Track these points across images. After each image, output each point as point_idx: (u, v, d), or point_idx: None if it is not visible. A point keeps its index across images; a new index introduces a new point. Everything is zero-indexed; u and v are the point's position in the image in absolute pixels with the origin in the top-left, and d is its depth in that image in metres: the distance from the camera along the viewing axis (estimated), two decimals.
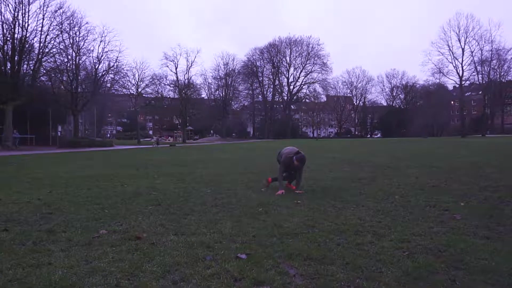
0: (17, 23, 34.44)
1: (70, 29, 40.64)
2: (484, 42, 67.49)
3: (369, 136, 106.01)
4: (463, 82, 69.32)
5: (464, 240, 4.35)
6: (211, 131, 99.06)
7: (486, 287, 3.10)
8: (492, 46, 67.93)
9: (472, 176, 10.23)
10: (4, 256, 3.87)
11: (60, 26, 38.46)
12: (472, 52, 67.68)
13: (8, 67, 35.44)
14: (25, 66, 37.26)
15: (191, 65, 76.96)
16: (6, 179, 10.75)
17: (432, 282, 3.21)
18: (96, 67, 46.28)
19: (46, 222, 5.37)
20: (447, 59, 68.56)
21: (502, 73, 74.14)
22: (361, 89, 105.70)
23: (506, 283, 3.19)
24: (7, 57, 34.99)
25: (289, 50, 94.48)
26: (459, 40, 67.40)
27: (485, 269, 3.45)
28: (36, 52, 36.92)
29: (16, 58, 35.10)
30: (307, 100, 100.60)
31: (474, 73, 70.05)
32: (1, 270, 3.49)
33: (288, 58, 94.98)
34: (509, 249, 4.03)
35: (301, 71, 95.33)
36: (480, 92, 77.38)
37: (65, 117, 46.02)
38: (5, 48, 34.67)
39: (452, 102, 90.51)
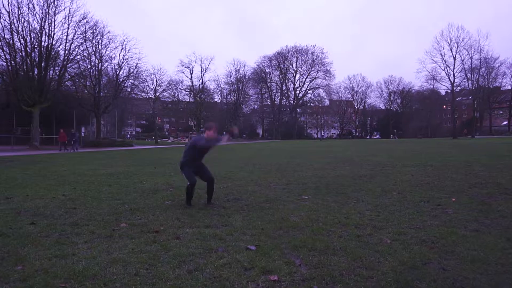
0: (43, 32, 34.44)
1: (93, 38, 40.92)
2: (474, 51, 67.62)
3: (368, 137, 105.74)
4: (454, 88, 69.18)
5: (455, 233, 4.34)
6: (223, 132, 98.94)
7: (475, 276, 3.10)
8: (481, 55, 68.11)
9: (463, 174, 10.17)
10: (31, 248, 3.89)
11: (84, 35, 38.59)
12: (462, 61, 67.84)
13: (36, 72, 35.49)
14: (51, 71, 37.29)
15: (205, 72, 77.10)
16: (34, 176, 10.81)
17: (425, 271, 3.21)
18: (117, 73, 46.42)
19: (70, 216, 5.41)
20: (440, 66, 68.84)
21: (490, 80, 74.65)
22: (361, 94, 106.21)
23: (493, 272, 3.18)
24: (35, 63, 35.03)
25: (296, 58, 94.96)
26: (451, 50, 67.56)
27: (474, 259, 3.45)
28: (61, 59, 36.93)
29: (43, 65, 35.16)
30: (311, 104, 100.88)
31: (464, 80, 70.04)
32: (28, 261, 3.50)
33: (294, 65, 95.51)
34: (496, 241, 4.02)
35: (306, 77, 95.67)
36: (470, 97, 76.90)
37: (88, 119, 46.32)
38: (33, 55, 34.70)
39: (444, 106, 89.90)
